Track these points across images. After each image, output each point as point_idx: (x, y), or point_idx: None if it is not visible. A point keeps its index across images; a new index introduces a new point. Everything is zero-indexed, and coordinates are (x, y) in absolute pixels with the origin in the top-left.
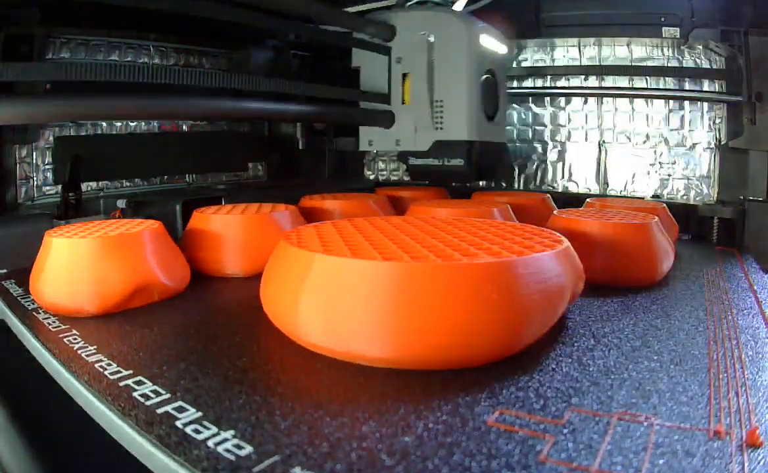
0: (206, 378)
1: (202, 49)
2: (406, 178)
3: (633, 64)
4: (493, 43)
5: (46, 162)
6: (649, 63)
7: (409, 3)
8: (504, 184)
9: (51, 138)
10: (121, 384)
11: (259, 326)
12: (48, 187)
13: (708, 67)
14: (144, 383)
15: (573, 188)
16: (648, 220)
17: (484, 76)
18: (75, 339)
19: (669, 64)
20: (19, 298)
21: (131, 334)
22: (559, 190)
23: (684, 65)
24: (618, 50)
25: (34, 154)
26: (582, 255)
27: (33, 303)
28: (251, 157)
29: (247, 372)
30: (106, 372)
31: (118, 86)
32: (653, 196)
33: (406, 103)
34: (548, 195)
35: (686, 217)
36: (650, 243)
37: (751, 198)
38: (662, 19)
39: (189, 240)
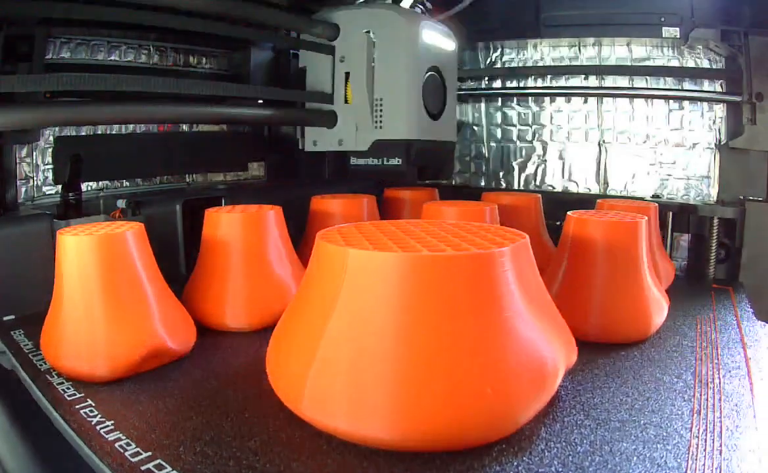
0: (222, 463)
1: (201, 49)
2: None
3: (633, 64)
4: (437, 39)
5: (46, 162)
6: (649, 63)
7: (358, 1)
8: (504, 184)
9: (51, 138)
10: (143, 467)
11: (264, 398)
12: (48, 187)
13: (708, 67)
14: (164, 467)
15: (573, 188)
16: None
17: (428, 74)
18: (91, 411)
19: (669, 64)
20: (30, 355)
21: (145, 407)
22: (559, 190)
23: (684, 65)
24: (618, 50)
25: (34, 154)
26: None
27: (44, 362)
28: (251, 157)
29: (259, 456)
30: (127, 454)
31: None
32: (653, 196)
33: (349, 102)
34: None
35: (686, 217)
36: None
37: (751, 198)
38: (662, 19)
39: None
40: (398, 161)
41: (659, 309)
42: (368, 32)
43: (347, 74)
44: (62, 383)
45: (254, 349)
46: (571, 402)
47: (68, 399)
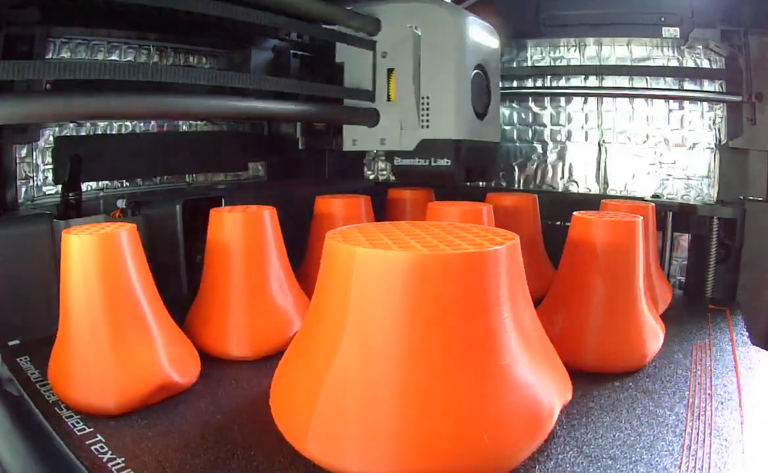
0: None
1: (202, 48)
2: (392, 178)
3: (633, 64)
4: (483, 36)
5: (46, 162)
6: (649, 63)
7: None
8: (504, 184)
9: (51, 138)
10: None
11: (270, 434)
12: (48, 187)
13: (708, 67)
14: None
15: (573, 188)
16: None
17: (474, 71)
18: (102, 447)
19: (669, 64)
20: (37, 385)
21: (154, 443)
22: (559, 190)
23: (684, 65)
24: (618, 50)
25: (34, 154)
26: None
27: (52, 394)
28: (251, 157)
29: None
30: None
31: (109, 83)
32: (653, 196)
33: (392, 100)
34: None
35: (686, 217)
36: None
37: (751, 198)
38: (662, 19)
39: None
40: (446, 162)
41: (655, 337)
42: (413, 27)
43: (390, 71)
44: (71, 416)
45: (257, 381)
46: (565, 438)
47: (78, 433)
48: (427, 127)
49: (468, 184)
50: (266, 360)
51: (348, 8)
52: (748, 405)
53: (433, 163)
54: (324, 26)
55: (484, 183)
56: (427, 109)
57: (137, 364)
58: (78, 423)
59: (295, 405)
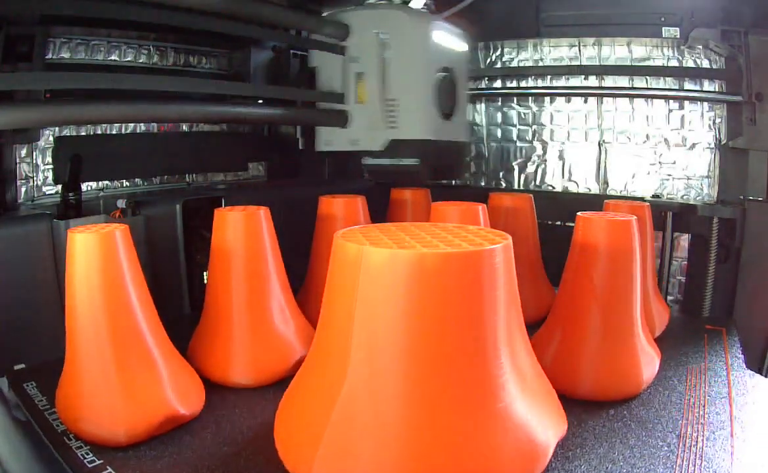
0: None
1: (201, 49)
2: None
3: (633, 64)
4: (449, 41)
5: (46, 162)
6: (649, 63)
7: (367, 1)
8: (504, 184)
9: (51, 138)
10: None
11: (275, 468)
12: (48, 187)
13: (708, 67)
14: None
15: (573, 188)
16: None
17: (440, 74)
18: None
19: (669, 64)
20: (45, 413)
21: None
22: (559, 190)
23: (684, 65)
24: (618, 50)
25: (34, 154)
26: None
27: (60, 423)
28: (251, 157)
29: None
30: None
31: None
32: (653, 196)
33: (362, 102)
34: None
35: (686, 217)
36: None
37: (751, 197)
38: (662, 19)
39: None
40: (415, 161)
41: (650, 364)
42: (379, 33)
43: (360, 74)
44: (81, 447)
45: (260, 410)
46: (560, 471)
47: (89, 466)
48: (395, 127)
49: (470, 183)
50: (267, 387)
51: (323, 15)
52: (739, 434)
53: (401, 162)
54: (298, 34)
55: (475, 182)
56: (395, 110)
57: (144, 397)
58: (88, 454)
59: (299, 440)
